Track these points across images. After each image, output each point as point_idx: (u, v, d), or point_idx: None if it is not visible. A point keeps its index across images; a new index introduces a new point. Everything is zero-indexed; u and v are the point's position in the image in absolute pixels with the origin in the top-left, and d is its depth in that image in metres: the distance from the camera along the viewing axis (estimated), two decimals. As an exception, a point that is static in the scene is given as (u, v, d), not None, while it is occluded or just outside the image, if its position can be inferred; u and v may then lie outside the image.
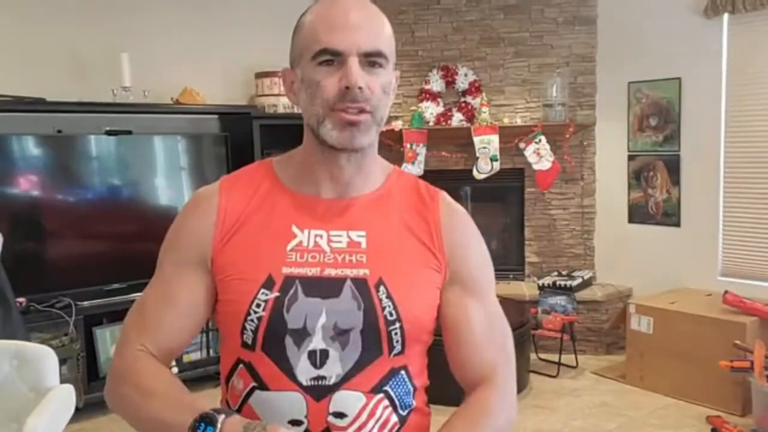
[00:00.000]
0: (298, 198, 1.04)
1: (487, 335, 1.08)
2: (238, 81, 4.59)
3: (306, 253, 1.00)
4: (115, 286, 3.85)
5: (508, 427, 1.10)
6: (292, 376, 0.96)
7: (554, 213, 4.86)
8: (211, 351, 4.17)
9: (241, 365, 1.00)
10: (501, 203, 5.14)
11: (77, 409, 2.52)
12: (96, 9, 4.02)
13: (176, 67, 4.23)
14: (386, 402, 1.00)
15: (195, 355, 4.10)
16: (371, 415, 0.98)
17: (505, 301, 4.21)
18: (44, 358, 2.33)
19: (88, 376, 3.70)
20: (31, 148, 3.73)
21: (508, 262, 5.06)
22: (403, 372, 1.03)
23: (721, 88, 4.09)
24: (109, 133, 3.89)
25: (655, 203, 4.49)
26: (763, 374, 3.26)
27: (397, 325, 0.99)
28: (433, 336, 1.10)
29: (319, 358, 0.96)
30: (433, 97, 4.79)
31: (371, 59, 0.97)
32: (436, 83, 4.79)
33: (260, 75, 4.47)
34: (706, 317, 3.68)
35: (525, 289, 4.65)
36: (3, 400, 2.27)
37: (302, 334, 0.97)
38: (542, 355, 4.39)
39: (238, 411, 0.99)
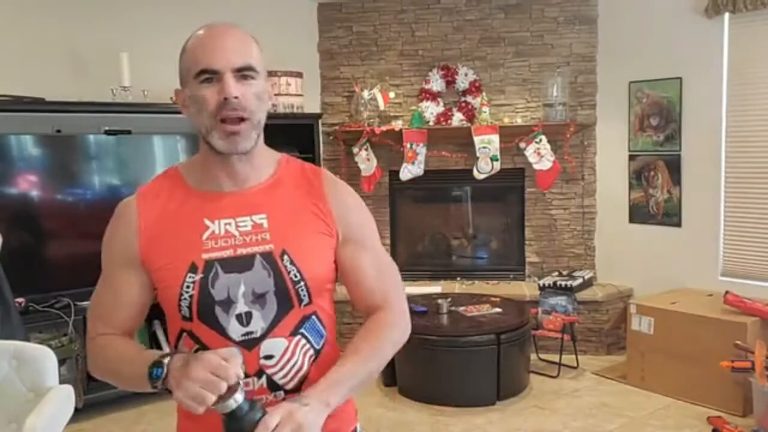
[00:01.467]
0: (204, 195, 1.25)
1: (378, 276, 1.32)
2: (237, 81, 4.58)
3: (219, 239, 1.21)
4: (115, 286, 3.85)
5: (402, 338, 1.32)
6: (226, 336, 1.19)
7: (555, 213, 4.85)
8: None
9: (184, 334, 1.23)
10: (501, 203, 5.14)
11: (76, 410, 2.51)
12: (95, 9, 4.02)
13: (176, 67, 4.17)
14: (303, 341, 1.24)
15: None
16: (293, 353, 1.23)
17: (506, 301, 4.24)
18: (43, 358, 2.32)
19: (88, 376, 3.69)
20: (31, 147, 3.72)
21: (508, 262, 5.06)
22: (313, 317, 1.26)
23: (722, 87, 4.08)
24: (108, 132, 3.89)
25: (655, 203, 4.49)
26: (764, 374, 3.25)
27: (302, 283, 1.22)
28: (335, 284, 1.32)
29: (245, 319, 1.20)
30: (433, 96, 4.78)
31: (243, 73, 1.17)
32: (436, 83, 4.79)
33: (260, 75, 4.47)
34: (707, 317, 3.68)
35: (525, 289, 4.65)
36: (2, 400, 2.26)
37: (228, 303, 1.19)
38: (543, 356, 4.39)
39: None
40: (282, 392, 1.22)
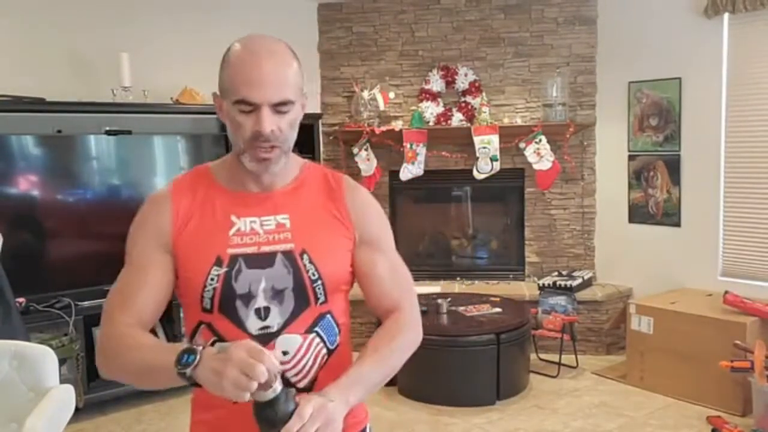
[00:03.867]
0: (232, 194, 1.31)
1: (392, 279, 1.37)
2: (238, 81, 4.58)
3: (245, 236, 1.27)
4: (115, 286, 3.85)
5: (415, 341, 1.35)
6: (244, 329, 1.24)
7: (554, 213, 4.85)
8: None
9: (202, 325, 1.27)
10: (501, 203, 5.14)
11: (77, 409, 2.52)
12: (96, 9, 4.02)
13: (176, 67, 4.23)
14: (318, 339, 1.28)
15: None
16: (307, 350, 1.27)
17: (506, 301, 4.24)
18: (44, 358, 2.33)
19: (88, 376, 3.70)
20: (31, 147, 3.73)
21: (508, 262, 5.07)
22: (328, 316, 1.30)
23: (721, 87, 4.09)
24: (108, 133, 3.89)
25: (655, 203, 4.49)
26: (764, 374, 3.26)
27: (320, 282, 1.27)
28: (351, 285, 1.37)
29: (263, 313, 1.24)
30: (433, 97, 4.79)
31: (279, 108, 1.22)
32: (436, 83, 4.79)
33: (260, 75, 4.47)
34: (707, 317, 3.68)
35: (525, 289, 4.65)
36: (3, 400, 2.26)
37: (248, 297, 1.24)
38: (542, 356, 4.39)
39: None
40: (294, 390, 1.20)
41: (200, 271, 1.24)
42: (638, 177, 4.56)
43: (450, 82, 4.80)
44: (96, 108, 3.82)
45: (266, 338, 1.23)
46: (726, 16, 4.01)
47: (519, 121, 4.73)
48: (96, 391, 3.71)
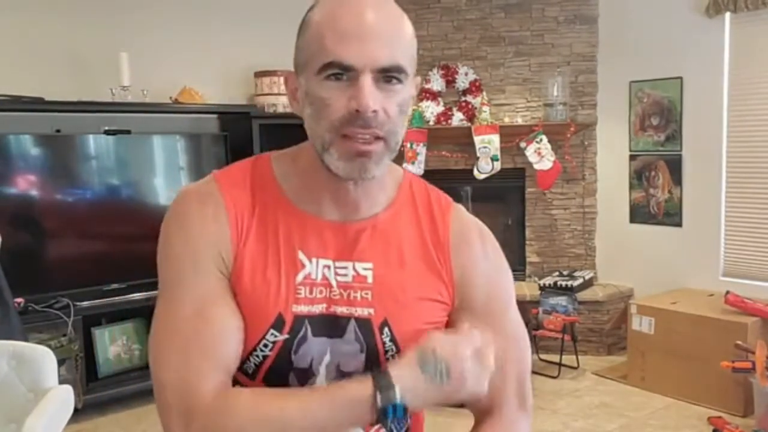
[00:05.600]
0: (301, 216, 0.93)
1: (497, 368, 0.91)
2: (237, 80, 4.57)
3: (314, 288, 0.92)
4: (114, 286, 3.84)
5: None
6: None
7: (555, 213, 4.84)
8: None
9: (237, 384, 0.93)
10: (502, 203, 5.13)
11: (76, 410, 2.50)
12: (95, 8, 4.00)
13: (175, 67, 4.22)
14: (383, 430, 0.96)
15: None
16: None
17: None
18: (42, 358, 2.32)
19: (87, 377, 3.69)
20: (30, 147, 3.72)
21: (508, 262, 5.03)
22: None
23: (722, 87, 4.08)
24: (107, 132, 3.88)
25: (656, 203, 4.48)
26: (765, 375, 3.25)
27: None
28: None
29: None
30: (434, 96, 4.78)
31: (388, 75, 0.85)
32: (436, 82, 4.78)
33: (260, 74, 4.46)
34: (708, 318, 3.67)
35: (526, 289, 4.64)
36: (1, 400, 2.25)
37: (307, 373, 0.93)
38: (543, 356, 4.38)
39: None
40: None
41: (253, 330, 0.90)
42: (639, 177, 4.55)
43: (450, 82, 4.78)
44: (95, 107, 3.81)
45: None
46: (727, 15, 4.00)
47: (520, 121, 4.72)
48: (95, 391, 3.70)
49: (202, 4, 4.43)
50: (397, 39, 0.86)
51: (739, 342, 3.45)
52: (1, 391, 2.26)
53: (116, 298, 3.83)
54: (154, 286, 3.40)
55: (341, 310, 0.92)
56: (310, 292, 0.91)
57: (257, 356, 0.91)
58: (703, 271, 4.21)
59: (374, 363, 0.91)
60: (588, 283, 4.61)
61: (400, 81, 0.87)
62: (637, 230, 4.60)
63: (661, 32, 4.32)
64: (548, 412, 3.68)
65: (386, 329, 0.93)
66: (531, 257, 4.91)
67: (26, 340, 2.83)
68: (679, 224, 4.37)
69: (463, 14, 4.81)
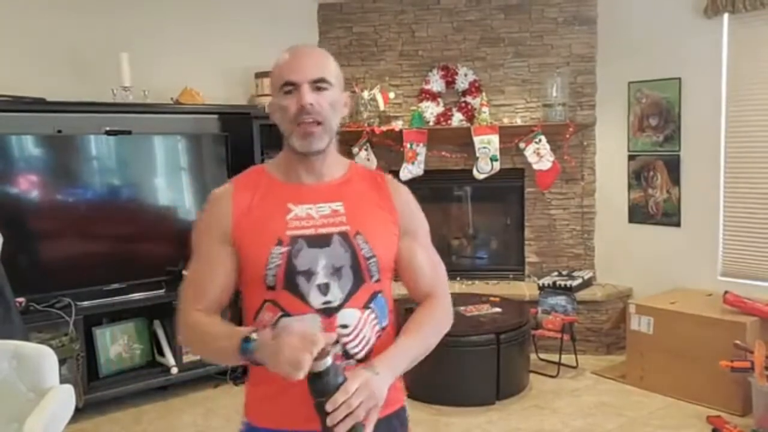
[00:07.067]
0: (288, 186, 1.44)
1: (430, 269, 1.52)
2: (238, 81, 4.59)
3: (302, 220, 1.39)
4: (115, 286, 3.85)
5: (448, 324, 1.52)
6: (308, 303, 1.34)
7: (554, 213, 4.85)
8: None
9: (267, 303, 1.37)
10: (501, 203, 5.14)
11: (77, 409, 2.52)
12: (96, 9, 4.02)
13: (176, 67, 4.23)
14: (372, 315, 1.40)
15: (194, 356, 4.09)
16: (364, 324, 1.38)
17: (505, 301, 4.24)
18: (43, 358, 2.33)
19: (88, 376, 3.70)
20: (31, 148, 3.73)
21: (508, 262, 5.06)
22: (380, 294, 1.42)
23: (721, 87, 4.09)
24: (108, 133, 3.89)
25: (655, 203, 4.49)
26: (764, 374, 3.26)
27: (373, 260, 1.39)
28: (393, 273, 1.49)
29: (324, 289, 1.35)
30: (433, 97, 4.79)
31: (317, 84, 1.37)
32: (436, 83, 4.79)
33: (260, 75, 4.47)
34: (707, 317, 3.68)
35: (525, 289, 4.65)
36: (2, 400, 2.27)
37: (310, 274, 1.35)
38: (542, 356, 4.39)
39: None
40: (353, 361, 1.36)
41: (263, 252, 1.35)
42: (638, 177, 4.56)
43: (450, 82, 4.80)
44: (96, 108, 3.82)
45: (328, 312, 1.34)
46: (726, 16, 4.01)
47: (519, 121, 4.73)
48: (96, 391, 3.71)
49: (203, 5, 4.45)
50: (321, 64, 1.40)
51: (737, 341, 3.46)
52: (3, 391, 2.27)
53: (117, 297, 3.84)
54: (154, 286, 3.47)
55: (325, 230, 1.38)
56: (299, 223, 1.38)
57: (272, 268, 1.35)
58: (701, 271, 4.22)
59: (355, 257, 1.38)
60: (587, 283, 4.62)
61: (326, 88, 1.39)
62: (635, 230, 4.61)
63: (659, 33, 4.33)
64: (547, 412, 3.69)
65: (359, 236, 1.39)
66: (530, 257, 4.92)
67: (28, 339, 2.85)
68: (677, 224, 4.38)
69: (463, 15, 4.82)
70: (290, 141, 1.40)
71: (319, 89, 1.37)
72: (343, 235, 1.38)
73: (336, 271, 1.36)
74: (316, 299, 1.34)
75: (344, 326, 1.35)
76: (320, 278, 1.35)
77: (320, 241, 1.37)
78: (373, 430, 1.27)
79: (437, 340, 1.47)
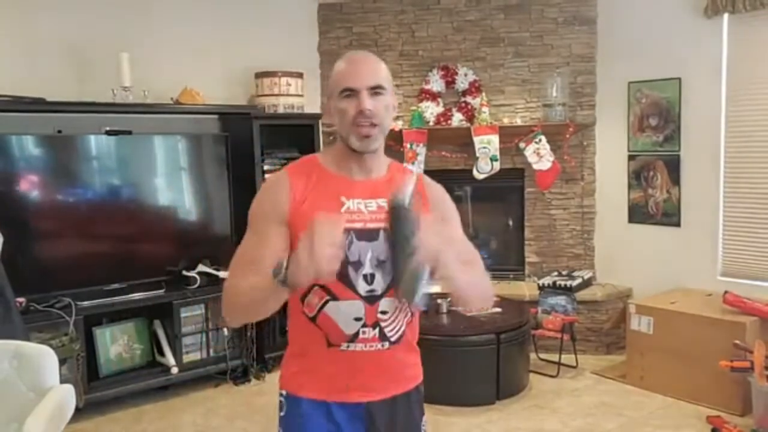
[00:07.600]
0: (339, 179, 1.57)
1: (465, 246, 1.64)
2: (238, 81, 4.59)
3: (353, 214, 1.52)
4: (115, 286, 3.85)
5: (491, 288, 1.67)
6: (354, 290, 1.49)
7: (554, 213, 4.86)
8: (211, 351, 4.17)
9: (316, 287, 1.49)
10: (501, 203, 5.14)
11: (77, 409, 2.52)
12: (96, 9, 4.02)
13: (176, 67, 4.23)
14: (405, 305, 1.54)
15: (195, 355, 4.10)
16: (399, 312, 1.54)
17: (505, 301, 4.24)
18: (44, 358, 2.33)
19: (88, 376, 3.70)
20: (31, 148, 3.73)
21: (508, 262, 5.06)
22: None
23: (721, 87, 4.09)
24: (109, 133, 3.89)
25: (655, 203, 4.49)
26: (763, 374, 3.26)
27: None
28: None
29: (369, 279, 1.49)
30: (433, 97, 4.79)
31: (374, 90, 1.51)
32: (436, 83, 4.79)
33: (260, 75, 4.48)
34: (707, 317, 3.68)
35: (525, 289, 4.65)
36: (3, 400, 2.27)
37: (359, 264, 1.49)
38: (542, 355, 4.39)
39: (315, 317, 1.51)
40: (387, 342, 1.53)
41: None
42: (638, 177, 4.56)
43: (450, 82, 4.80)
44: (96, 108, 3.82)
45: (372, 299, 1.49)
46: (726, 16, 4.01)
47: (519, 121, 4.73)
48: (96, 391, 3.71)
49: (203, 5, 4.45)
50: (377, 72, 1.54)
51: (737, 341, 3.46)
52: (3, 391, 2.27)
53: (117, 297, 3.84)
54: (154, 286, 3.48)
55: (373, 225, 1.51)
56: (351, 216, 1.50)
57: None
58: (701, 271, 4.23)
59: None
60: (587, 283, 4.62)
61: (382, 93, 1.52)
62: (635, 230, 4.61)
63: (659, 33, 4.34)
64: (547, 411, 3.69)
65: None
66: (530, 257, 4.92)
67: (28, 339, 2.85)
68: (677, 224, 4.38)
69: (463, 15, 4.82)
70: (348, 141, 1.52)
71: (375, 94, 1.50)
72: (387, 232, 1.48)
73: (380, 264, 1.49)
74: (362, 287, 1.48)
75: (384, 312, 1.50)
76: (367, 269, 1.48)
77: (368, 235, 1.50)
78: (395, 404, 1.56)
79: (484, 289, 1.60)
